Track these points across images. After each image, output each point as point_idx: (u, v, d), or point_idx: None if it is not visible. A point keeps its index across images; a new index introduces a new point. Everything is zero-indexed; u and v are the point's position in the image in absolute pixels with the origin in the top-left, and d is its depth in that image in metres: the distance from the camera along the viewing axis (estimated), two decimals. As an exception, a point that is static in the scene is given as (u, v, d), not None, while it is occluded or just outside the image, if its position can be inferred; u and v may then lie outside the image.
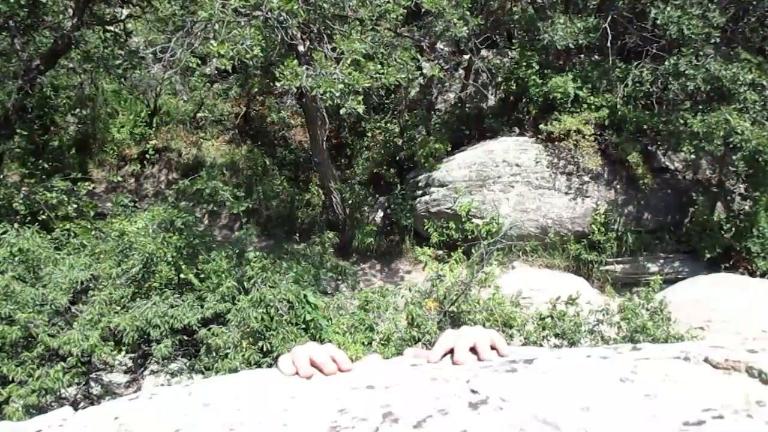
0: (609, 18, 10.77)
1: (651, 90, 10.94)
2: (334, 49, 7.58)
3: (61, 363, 5.69)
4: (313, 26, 8.08)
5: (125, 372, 6.98)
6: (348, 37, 7.52)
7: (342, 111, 7.65)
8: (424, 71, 8.81)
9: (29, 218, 8.32)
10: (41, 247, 6.54)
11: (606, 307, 6.62)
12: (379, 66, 7.70)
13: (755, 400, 0.74)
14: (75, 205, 9.28)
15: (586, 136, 11.00)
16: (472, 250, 6.93)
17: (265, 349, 5.76)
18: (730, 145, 9.70)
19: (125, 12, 11.55)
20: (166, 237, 6.76)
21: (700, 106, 10.50)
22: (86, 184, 10.55)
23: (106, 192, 11.91)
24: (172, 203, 7.70)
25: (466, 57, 12.39)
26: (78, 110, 12.51)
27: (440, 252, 8.79)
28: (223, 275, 6.64)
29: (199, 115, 13.58)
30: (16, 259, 6.34)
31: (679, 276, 10.43)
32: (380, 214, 12.22)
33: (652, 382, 0.82)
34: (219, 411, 0.86)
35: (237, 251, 7.23)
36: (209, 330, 6.10)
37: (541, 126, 11.22)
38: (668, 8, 9.95)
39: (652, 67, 10.75)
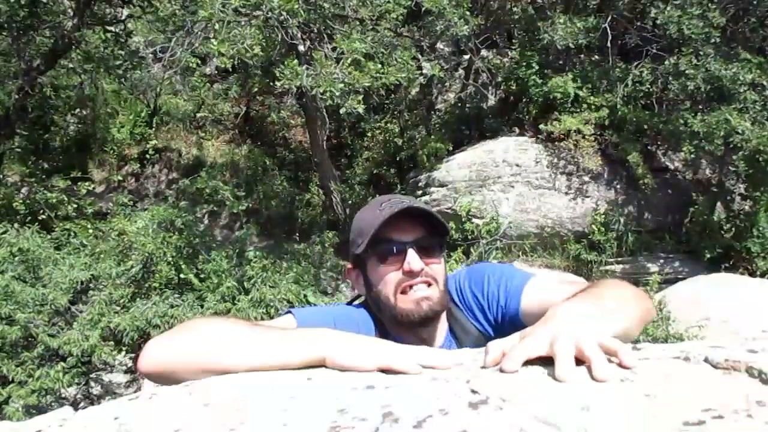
0: (609, 18, 10.76)
1: (651, 90, 10.93)
2: (334, 49, 7.58)
3: (61, 363, 5.71)
4: (314, 26, 8.08)
5: (125, 372, 6.99)
6: (348, 36, 7.52)
7: (342, 111, 7.65)
8: (424, 71, 8.81)
9: (29, 218, 8.32)
10: (41, 247, 6.56)
11: (606, 307, 6.61)
12: (379, 66, 7.70)
13: (755, 400, 0.74)
14: (75, 205, 9.27)
15: (586, 136, 10.99)
16: (472, 250, 6.93)
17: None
18: (731, 145, 9.69)
19: (125, 12, 11.55)
20: (166, 237, 6.77)
21: (700, 106, 10.49)
22: (86, 183, 10.55)
23: (106, 192, 11.90)
24: (172, 203, 7.71)
25: (466, 57, 12.39)
26: (78, 110, 12.51)
27: (440, 252, 8.78)
28: (223, 275, 6.65)
29: (199, 115, 13.58)
30: (16, 259, 6.36)
31: (679, 276, 10.41)
32: (380, 214, 12.20)
33: (652, 382, 0.82)
34: (219, 411, 0.86)
35: (237, 251, 7.23)
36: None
37: (541, 126, 11.20)
38: (668, 8, 9.94)
39: (652, 67, 10.74)
